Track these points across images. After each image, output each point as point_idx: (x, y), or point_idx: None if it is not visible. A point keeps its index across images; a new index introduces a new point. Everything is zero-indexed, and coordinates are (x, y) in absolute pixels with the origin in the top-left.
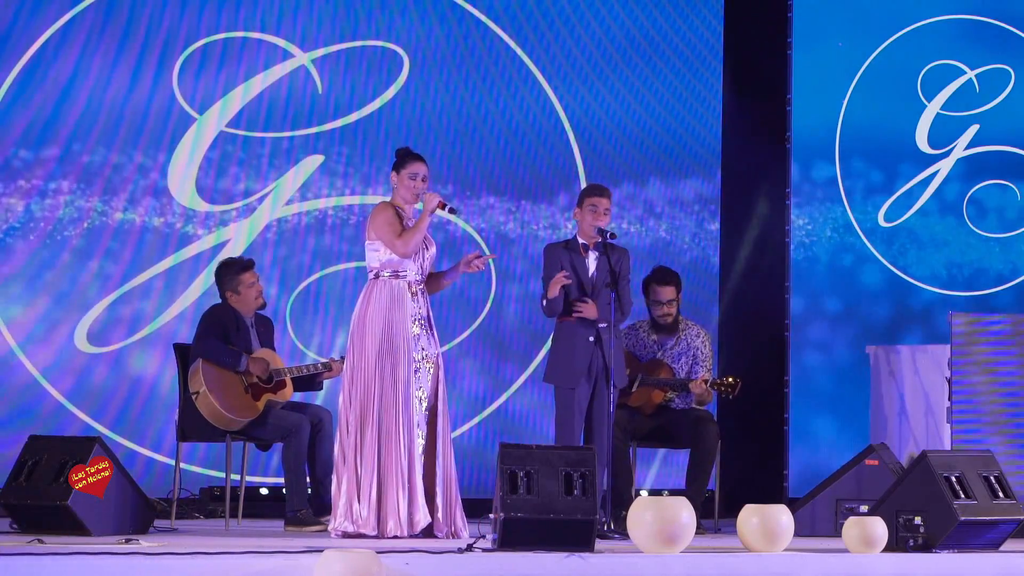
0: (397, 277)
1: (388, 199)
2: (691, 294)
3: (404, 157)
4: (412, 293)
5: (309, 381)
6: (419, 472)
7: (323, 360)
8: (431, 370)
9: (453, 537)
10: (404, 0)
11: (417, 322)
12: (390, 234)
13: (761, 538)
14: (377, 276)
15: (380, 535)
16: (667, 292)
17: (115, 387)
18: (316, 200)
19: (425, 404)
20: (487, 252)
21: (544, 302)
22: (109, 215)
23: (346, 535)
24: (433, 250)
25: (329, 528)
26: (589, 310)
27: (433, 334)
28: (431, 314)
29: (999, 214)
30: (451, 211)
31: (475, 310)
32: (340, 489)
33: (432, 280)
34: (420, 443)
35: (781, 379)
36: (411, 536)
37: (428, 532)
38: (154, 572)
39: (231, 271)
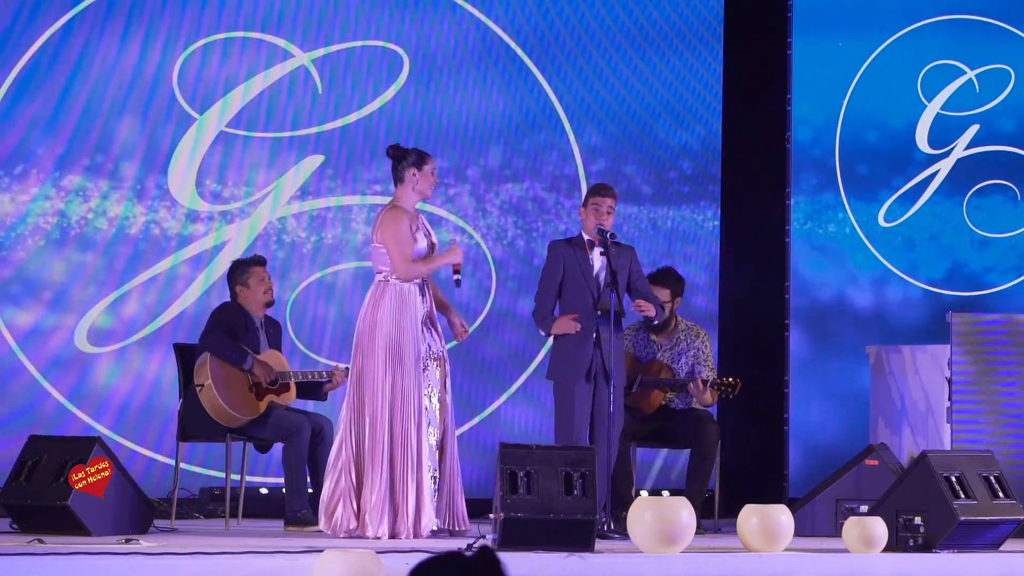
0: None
1: (395, 202)
2: (691, 294)
3: (419, 153)
4: (421, 293)
5: (313, 389)
6: (427, 474)
7: (330, 367)
8: (438, 368)
9: (454, 531)
10: (404, 0)
11: (424, 322)
12: (400, 254)
13: (761, 538)
14: (386, 279)
15: (392, 535)
16: (660, 294)
17: (115, 387)
18: (316, 200)
19: (436, 401)
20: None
21: (539, 320)
22: (109, 215)
23: (349, 535)
24: (433, 240)
25: (322, 527)
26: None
27: (438, 331)
28: (435, 312)
29: (999, 214)
30: (456, 282)
31: (475, 310)
32: (337, 488)
33: (437, 297)
34: (433, 442)
35: (781, 379)
36: (416, 539)
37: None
38: (154, 572)
39: (244, 265)
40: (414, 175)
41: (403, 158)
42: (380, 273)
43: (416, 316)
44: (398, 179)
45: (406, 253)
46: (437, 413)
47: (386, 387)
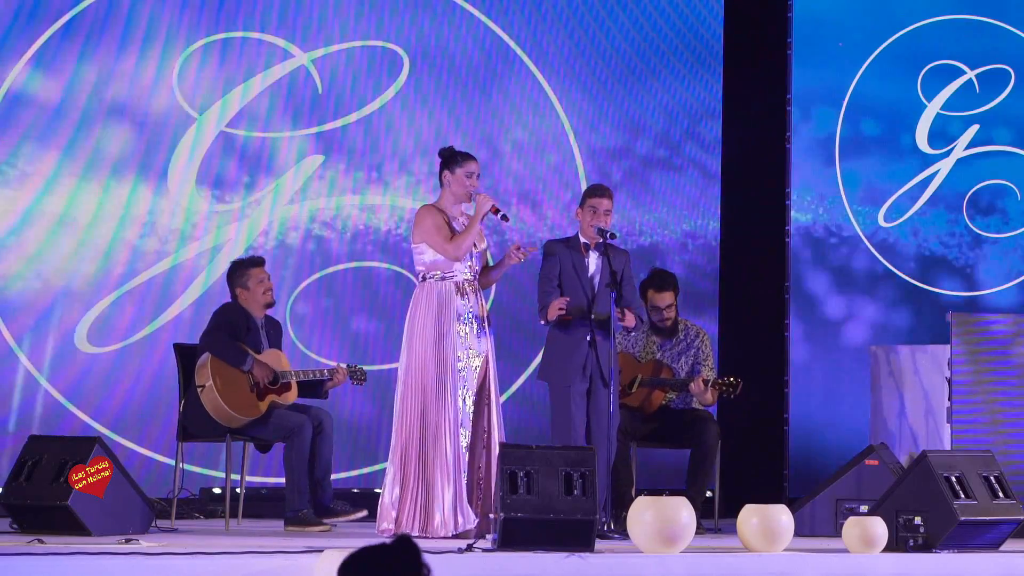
0: (444, 279)
1: (430, 203)
2: (691, 294)
3: (458, 155)
4: (461, 292)
5: (315, 387)
6: (464, 473)
7: (330, 366)
8: (478, 368)
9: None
10: (404, 0)
11: (467, 321)
12: (440, 239)
13: (761, 538)
14: (424, 279)
15: (426, 535)
16: (665, 298)
17: (115, 387)
18: (316, 200)
19: (471, 402)
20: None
21: (541, 312)
22: (109, 214)
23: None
24: (484, 245)
25: (378, 530)
26: (629, 319)
27: (484, 330)
28: (485, 311)
29: (999, 214)
30: (503, 218)
31: None
32: (389, 492)
33: (482, 275)
34: (464, 442)
35: (781, 379)
36: (456, 536)
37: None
38: (154, 572)
39: (243, 266)
40: (447, 177)
41: (444, 159)
42: (419, 275)
43: (453, 316)
44: (440, 180)
45: (445, 235)
46: (471, 415)
47: (425, 388)
